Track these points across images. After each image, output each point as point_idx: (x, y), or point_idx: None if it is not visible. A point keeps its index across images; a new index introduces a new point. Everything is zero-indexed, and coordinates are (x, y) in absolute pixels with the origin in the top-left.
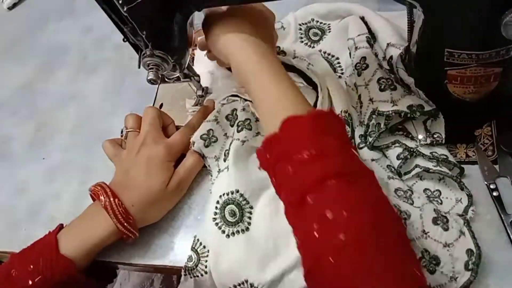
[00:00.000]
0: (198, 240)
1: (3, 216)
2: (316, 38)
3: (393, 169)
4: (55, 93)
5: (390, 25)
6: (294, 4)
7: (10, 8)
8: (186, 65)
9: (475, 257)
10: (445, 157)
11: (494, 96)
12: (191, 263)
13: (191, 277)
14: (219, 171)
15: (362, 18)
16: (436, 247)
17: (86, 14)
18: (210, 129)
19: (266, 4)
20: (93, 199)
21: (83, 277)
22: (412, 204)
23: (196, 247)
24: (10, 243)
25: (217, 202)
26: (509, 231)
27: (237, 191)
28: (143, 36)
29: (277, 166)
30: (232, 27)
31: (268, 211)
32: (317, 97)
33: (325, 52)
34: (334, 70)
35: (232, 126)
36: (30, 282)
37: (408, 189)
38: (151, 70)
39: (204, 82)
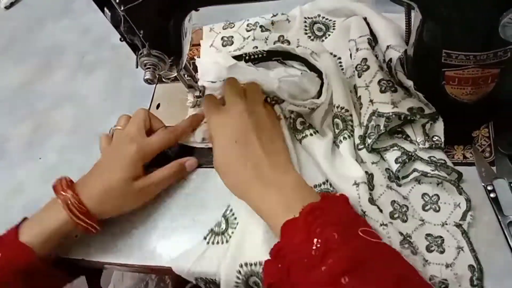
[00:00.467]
0: (231, 210)
1: None
2: (320, 34)
3: (391, 173)
4: (52, 93)
5: (392, 27)
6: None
7: (7, 8)
8: (183, 65)
9: (477, 273)
10: (443, 161)
11: (491, 97)
12: (218, 228)
13: (207, 243)
14: None
15: (365, 19)
16: (440, 269)
17: (83, 14)
18: None
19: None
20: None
21: (43, 266)
22: (405, 221)
23: (227, 216)
24: None
25: None
26: (506, 233)
27: None
28: (140, 35)
29: (291, 275)
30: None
31: None
32: (322, 84)
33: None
34: None
35: None
36: None
37: (404, 204)
38: (148, 69)
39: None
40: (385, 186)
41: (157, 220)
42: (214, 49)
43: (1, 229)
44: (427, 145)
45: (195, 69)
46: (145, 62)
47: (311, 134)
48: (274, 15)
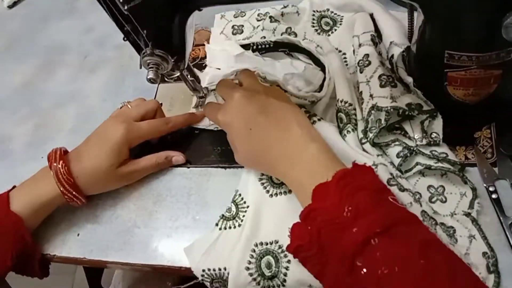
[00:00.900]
0: (239, 194)
1: None
2: (327, 28)
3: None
4: (55, 93)
5: (397, 24)
6: None
7: (10, 7)
8: (186, 65)
9: (492, 259)
10: (445, 155)
11: (494, 98)
12: (229, 213)
13: (220, 229)
14: None
15: (371, 15)
16: None
17: (86, 13)
18: None
19: (269, 3)
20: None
21: (29, 237)
22: (421, 207)
23: (236, 200)
24: None
25: None
26: (508, 234)
27: None
28: (144, 35)
29: (321, 236)
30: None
31: None
32: (325, 78)
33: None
34: None
35: None
36: None
37: (417, 192)
38: (151, 69)
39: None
40: (395, 175)
41: (159, 219)
42: (224, 36)
43: None
44: (424, 142)
45: (198, 69)
46: (148, 61)
47: (319, 120)
48: (284, 7)
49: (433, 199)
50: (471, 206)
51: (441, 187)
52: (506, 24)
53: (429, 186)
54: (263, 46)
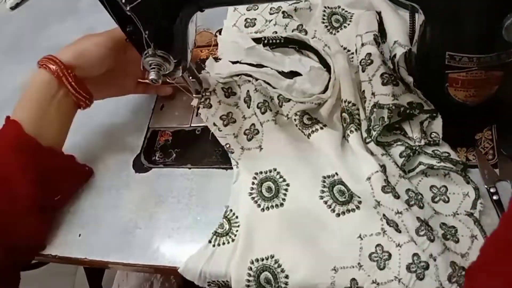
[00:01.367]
0: (231, 210)
1: None
2: (337, 25)
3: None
4: None
5: (403, 23)
6: None
7: (12, 8)
8: (188, 66)
9: None
10: (447, 154)
11: (495, 99)
12: (221, 230)
13: (213, 246)
14: (242, 148)
15: (379, 13)
16: (459, 258)
17: (88, 14)
18: (230, 112)
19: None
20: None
21: (32, 142)
22: (422, 207)
23: (228, 216)
24: None
25: (254, 178)
26: None
27: (275, 170)
28: (146, 35)
29: None
30: None
31: (306, 193)
32: (330, 78)
33: (341, 46)
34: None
35: (248, 107)
36: None
37: (419, 192)
38: (153, 69)
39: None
40: (398, 176)
41: (160, 220)
42: (236, 28)
43: None
44: (423, 142)
45: (199, 70)
46: (150, 62)
47: (321, 128)
48: (296, 1)
49: (436, 199)
50: (473, 206)
51: (444, 187)
52: (507, 26)
53: (432, 186)
54: (274, 41)
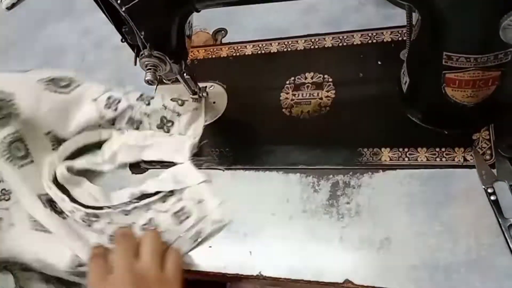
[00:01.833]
0: None
1: None
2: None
3: None
4: None
5: None
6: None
7: (8, 8)
8: (184, 67)
9: None
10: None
11: (492, 100)
12: None
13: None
14: None
15: None
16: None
17: (85, 15)
18: None
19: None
20: None
21: None
22: None
23: None
24: None
25: None
26: (507, 235)
27: None
28: (142, 36)
29: None
30: None
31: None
32: None
33: None
34: None
35: None
36: None
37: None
38: (149, 70)
39: None
40: None
41: None
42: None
43: None
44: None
45: (196, 70)
46: (146, 63)
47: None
48: None
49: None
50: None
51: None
52: (504, 26)
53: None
54: None
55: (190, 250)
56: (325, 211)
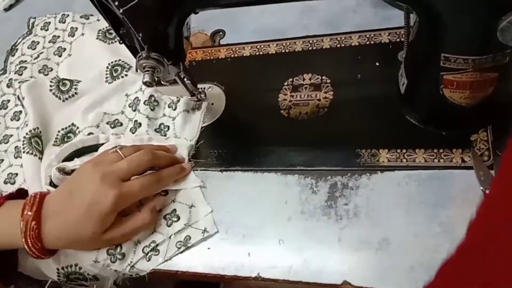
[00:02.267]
0: None
1: None
2: None
3: None
4: None
5: None
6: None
7: (6, 10)
8: (182, 68)
9: None
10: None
11: (490, 101)
12: None
13: None
14: None
15: None
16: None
17: None
18: None
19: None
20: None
21: None
22: None
23: None
24: None
25: None
26: None
27: None
28: (139, 38)
29: None
30: None
31: None
32: None
33: None
34: None
35: None
36: None
37: None
38: (147, 72)
39: None
40: None
41: None
42: None
43: None
44: None
45: (194, 72)
46: (144, 64)
47: None
48: None
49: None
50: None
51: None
52: (502, 27)
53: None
54: None
55: (175, 255)
56: (324, 212)
